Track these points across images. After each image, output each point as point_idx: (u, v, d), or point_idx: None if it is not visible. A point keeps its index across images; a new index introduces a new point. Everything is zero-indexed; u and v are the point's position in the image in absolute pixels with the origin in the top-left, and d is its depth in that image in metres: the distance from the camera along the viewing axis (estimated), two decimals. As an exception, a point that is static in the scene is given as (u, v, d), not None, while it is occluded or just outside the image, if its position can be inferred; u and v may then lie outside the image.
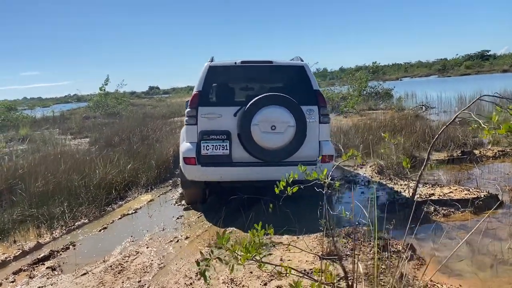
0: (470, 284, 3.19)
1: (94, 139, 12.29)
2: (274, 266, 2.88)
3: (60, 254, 4.33)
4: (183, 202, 5.91)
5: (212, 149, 5.16)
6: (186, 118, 5.29)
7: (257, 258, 2.74)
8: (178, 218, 5.25)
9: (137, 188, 6.74)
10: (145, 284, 3.44)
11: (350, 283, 2.76)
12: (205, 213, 5.32)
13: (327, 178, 2.95)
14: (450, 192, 5.07)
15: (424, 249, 3.85)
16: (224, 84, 5.73)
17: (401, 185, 5.70)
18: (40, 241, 4.69)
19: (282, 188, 2.88)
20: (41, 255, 4.24)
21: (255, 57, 5.21)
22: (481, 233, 4.11)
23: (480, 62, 65.52)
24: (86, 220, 5.36)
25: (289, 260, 3.63)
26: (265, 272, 3.40)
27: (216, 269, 3.50)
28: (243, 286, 3.23)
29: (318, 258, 3.54)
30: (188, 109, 5.32)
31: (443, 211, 4.65)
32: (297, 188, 2.87)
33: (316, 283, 2.48)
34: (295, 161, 5.21)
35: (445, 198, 4.86)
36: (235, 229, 4.56)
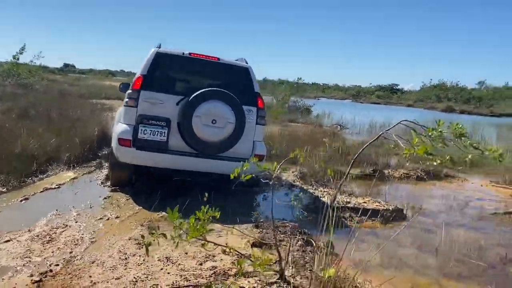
0: (378, 278, 3.66)
1: (7, 108, 11.42)
2: (215, 246, 3.08)
3: (-23, 219, 4.10)
4: (109, 183, 5.82)
5: (150, 134, 5.21)
6: (127, 100, 5.28)
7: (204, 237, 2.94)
8: (105, 198, 5.20)
9: (58, 164, 6.49)
10: (77, 255, 3.42)
11: (282, 267, 3.06)
12: (133, 196, 5.32)
13: (276, 170, 3.21)
14: (364, 202, 5.65)
15: (340, 247, 4.28)
16: (169, 72, 5.79)
17: (321, 191, 6.20)
18: (-48, 204, 4.39)
19: (236, 175, 3.10)
20: (-44, 218, 3.98)
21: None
22: (387, 239, 4.68)
23: (390, 94, 71.36)
24: (4, 189, 5.09)
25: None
26: (200, 253, 3.58)
27: (150, 248, 3.60)
28: (179, 264, 3.37)
29: (250, 245, 3.80)
30: (129, 91, 5.32)
31: (357, 217, 5.18)
32: (250, 177, 3.10)
33: (258, 262, 2.73)
34: (229, 156, 5.46)
35: (359, 207, 5.41)
36: (166, 213, 4.63)
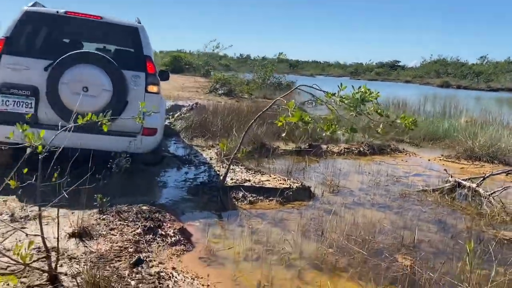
0: (219, 274, 2.96)
1: None
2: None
3: None
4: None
5: (13, 105, 4.50)
6: None
7: None
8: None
9: None
10: None
11: (51, 265, 2.36)
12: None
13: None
14: (267, 180, 4.92)
15: (202, 235, 3.58)
16: (40, 34, 5.03)
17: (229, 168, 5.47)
18: None
19: None
20: None
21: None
22: (273, 223, 3.98)
23: (389, 71, 69.97)
24: None
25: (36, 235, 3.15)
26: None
27: None
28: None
29: (69, 235, 3.11)
30: None
31: (250, 197, 4.46)
32: None
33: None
34: (112, 130, 4.72)
35: (257, 185, 4.69)
36: (14, 197, 3.95)
